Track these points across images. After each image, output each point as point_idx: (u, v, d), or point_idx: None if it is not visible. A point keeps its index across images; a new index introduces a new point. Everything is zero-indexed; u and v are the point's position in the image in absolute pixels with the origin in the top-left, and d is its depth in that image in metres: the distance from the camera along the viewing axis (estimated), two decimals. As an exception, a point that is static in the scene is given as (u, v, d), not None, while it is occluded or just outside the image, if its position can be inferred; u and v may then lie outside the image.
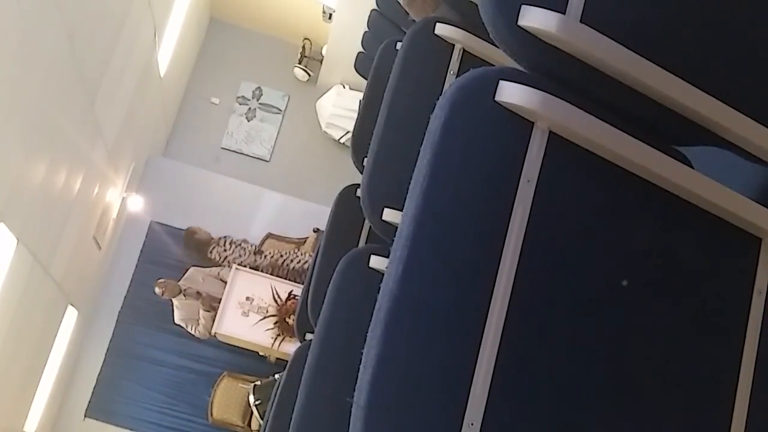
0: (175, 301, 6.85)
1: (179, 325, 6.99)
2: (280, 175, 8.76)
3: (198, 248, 7.34)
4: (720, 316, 1.26)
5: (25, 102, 4.54)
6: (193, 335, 7.00)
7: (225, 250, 7.11)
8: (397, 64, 2.27)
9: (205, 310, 6.77)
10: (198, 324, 6.88)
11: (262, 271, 6.99)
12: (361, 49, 6.39)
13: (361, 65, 6.38)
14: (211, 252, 7.20)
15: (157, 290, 6.74)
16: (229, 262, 7.09)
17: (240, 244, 7.40)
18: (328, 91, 8.64)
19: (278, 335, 6.58)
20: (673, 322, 1.22)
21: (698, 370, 1.23)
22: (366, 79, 3.71)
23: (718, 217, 1.24)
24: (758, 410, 1.21)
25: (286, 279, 6.86)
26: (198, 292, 6.89)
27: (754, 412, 1.21)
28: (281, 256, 7.17)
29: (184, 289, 6.85)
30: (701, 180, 1.20)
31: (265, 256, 7.21)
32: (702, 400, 1.23)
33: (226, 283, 6.80)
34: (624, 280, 1.17)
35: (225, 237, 7.48)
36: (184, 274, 7.07)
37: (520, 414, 1.07)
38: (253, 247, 7.37)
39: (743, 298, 1.25)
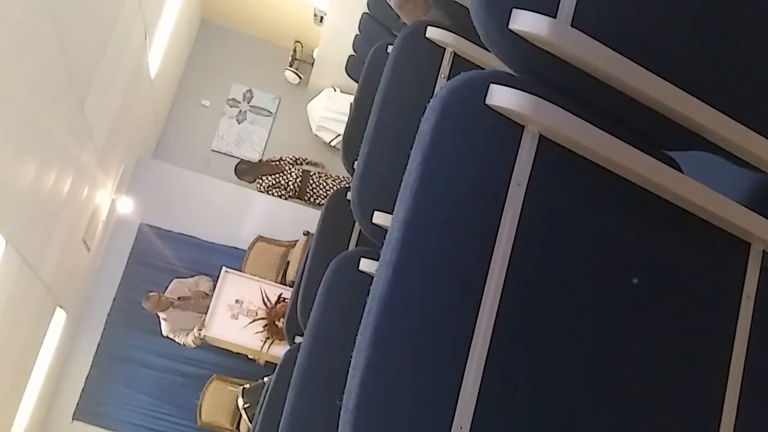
0: (161, 314, 6.82)
1: (168, 337, 6.96)
2: (271, 177, 8.73)
3: (252, 170, 7.47)
4: (709, 320, 1.26)
5: (14, 103, 4.52)
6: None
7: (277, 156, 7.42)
8: (388, 67, 2.27)
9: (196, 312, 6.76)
10: (187, 334, 6.84)
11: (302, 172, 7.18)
12: (353, 53, 6.39)
13: (352, 68, 6.37)
14: (262, 161, 7.42)
15: (146, 305, 6.70)
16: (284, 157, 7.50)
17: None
18: (319, 94, 8.63)
19: (268, 338, 6.56)
20: (663, 327, 1.22)
21: (687, 373, 1.24)
22: (357, 82, 3.70)
23: (708, 221, 1.24)
24: (747, 413, 1.21)
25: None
26: (185, 296, 6.87)
27: (742, 415, 1.21)
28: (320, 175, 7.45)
29: (172, 301, 6.82)
30: (691, 184, 1.21)
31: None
32: (691, 403, 1.23)
33: (208, 294, 6.79)
34: (626, 282, 1.17)
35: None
36: (168, 286, 7.05)
37: (509, 417, 1.06)
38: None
39: (732, 302, 1.25)
